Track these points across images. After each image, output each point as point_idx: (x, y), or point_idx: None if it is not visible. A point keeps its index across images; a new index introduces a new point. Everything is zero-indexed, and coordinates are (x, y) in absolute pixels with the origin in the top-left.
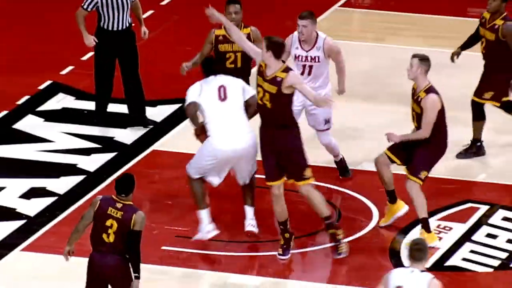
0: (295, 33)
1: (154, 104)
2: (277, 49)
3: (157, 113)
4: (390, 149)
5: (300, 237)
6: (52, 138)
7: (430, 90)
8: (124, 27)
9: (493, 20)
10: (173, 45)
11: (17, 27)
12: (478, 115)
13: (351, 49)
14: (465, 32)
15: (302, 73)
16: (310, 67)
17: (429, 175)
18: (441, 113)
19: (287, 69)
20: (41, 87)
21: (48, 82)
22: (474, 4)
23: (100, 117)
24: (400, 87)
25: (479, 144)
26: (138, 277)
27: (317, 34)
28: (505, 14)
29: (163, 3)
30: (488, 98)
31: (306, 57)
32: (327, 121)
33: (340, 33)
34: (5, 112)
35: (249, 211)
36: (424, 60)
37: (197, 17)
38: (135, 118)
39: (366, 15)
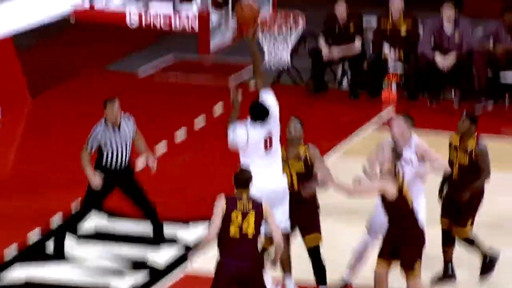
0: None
1: (186, 224)
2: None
3: (189, 233)
4: (380, 255)
5: None
6: (84, 258)
7: None
8: (124, 165)
9: (464, 142)
10: (206, 167)
11: (51, 146)
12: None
13: None
14: (499, 153)
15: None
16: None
17: None
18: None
19: None
20: (74, 205)
21: None
22: (509, 124)
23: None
24: None
25: None
26: None
27: (411, 136)
28: (475, 134)
29: (195, 128)
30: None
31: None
32: None
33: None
34: (37, 231)
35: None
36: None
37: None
38: (152, 238)
39: None
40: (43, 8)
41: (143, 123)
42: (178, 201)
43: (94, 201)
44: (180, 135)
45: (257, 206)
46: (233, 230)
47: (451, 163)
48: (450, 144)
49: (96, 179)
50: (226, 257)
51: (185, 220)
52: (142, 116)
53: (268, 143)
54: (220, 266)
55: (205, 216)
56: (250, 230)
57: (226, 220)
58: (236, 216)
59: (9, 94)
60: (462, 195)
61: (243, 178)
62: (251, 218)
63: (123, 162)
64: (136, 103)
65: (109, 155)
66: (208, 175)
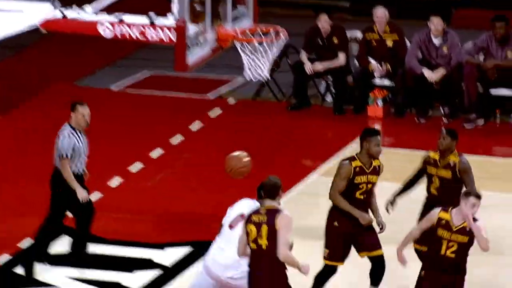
0: None
1: (161, 246)
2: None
3: (165, 256)
4: None
5: None
6: (56, 283)
7: None
8: (83, 170)
9: (445, 158)
10: (184, 187)
11: (22, 170)
12: None
13: None
14: (489, 171)
15: None
16: None
17: None
18: None
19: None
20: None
21: None
22: (500, 141)
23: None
24: None
25: None
26: None
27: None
28: (456, 151)
29: (174, 143)
30: None
31: None
32: None
33: None
34: (6, 256)
35: None
36: None
37: (208, 158)
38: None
39: (385, 154)
40: (13, 19)
41: (118, 138)
42: (153, 223)
43: (61, 213)
44: (157, 150)
45: (271, 218)
46: (251, 243)
47: (429, 178)
48: (428, 160)
49: (82, 192)
50: (249, 268)
51: (161, 243)
52: (117, 131)
53: (236, 222)
54: (248, 277)
55: (183, 239)
56: (263, 242)
57: (246, 233)
58: (251, 229)
59: None
60: None
61: (263, 187)
62: (264, 230)
63: (84, 167)
64: (109, 118)
65: (77, 161)
66: (185, 194)
